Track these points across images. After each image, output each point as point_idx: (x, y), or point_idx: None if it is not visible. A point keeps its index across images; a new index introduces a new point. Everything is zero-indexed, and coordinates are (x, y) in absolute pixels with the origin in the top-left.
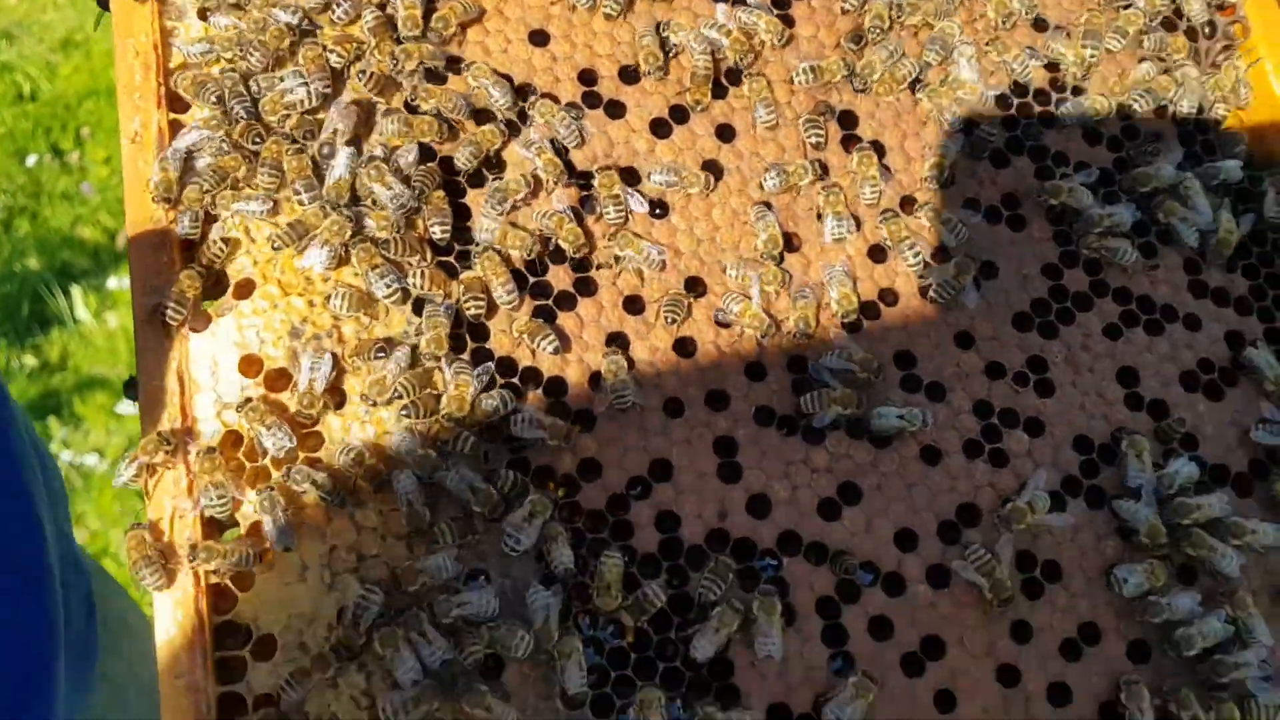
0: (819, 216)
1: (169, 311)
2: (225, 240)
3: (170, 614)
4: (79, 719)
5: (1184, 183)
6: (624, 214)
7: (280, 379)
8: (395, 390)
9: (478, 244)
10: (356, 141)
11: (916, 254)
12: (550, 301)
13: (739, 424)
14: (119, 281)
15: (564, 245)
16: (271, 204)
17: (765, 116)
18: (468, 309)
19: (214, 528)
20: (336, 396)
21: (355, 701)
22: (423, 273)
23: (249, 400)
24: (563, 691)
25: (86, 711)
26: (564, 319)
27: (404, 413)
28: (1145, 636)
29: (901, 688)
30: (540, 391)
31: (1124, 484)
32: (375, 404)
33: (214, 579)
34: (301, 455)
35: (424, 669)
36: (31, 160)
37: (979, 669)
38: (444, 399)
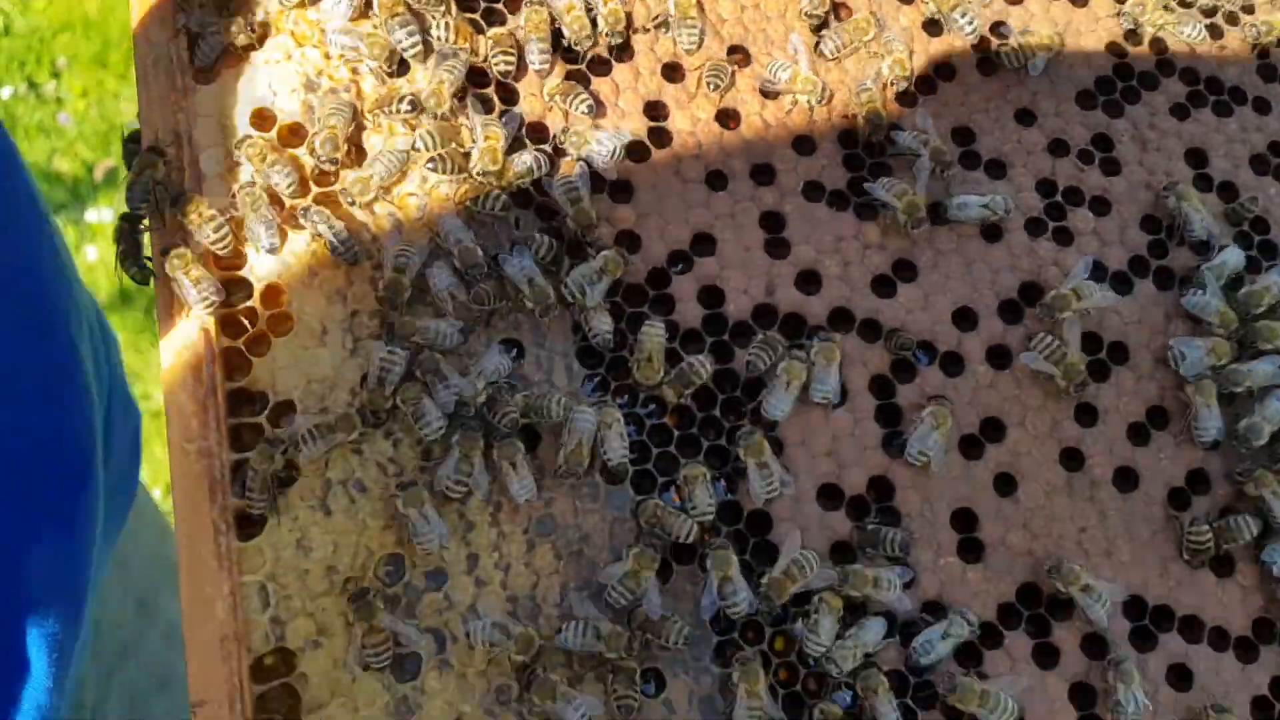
0: None
1: (204, 45)
2: None
3: (179, 377)
4: None
5: None
6: None
7: (294, 136)
8: (415, 144)
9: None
10: None
11: (971, 23)
12: (583, 66)
13: (786, 198)
14: (98, 214)
15: (601, 23)
16: None
17: None
18: (496, 64)
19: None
20: (356, 156)
21: (382, 468)
22: (448, 24)
23: (247, 137)
24: (604, 465)
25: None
26: (598, 84)
27: (430, 166)
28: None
29: (960, 470)
30: (573, 159)
31: (1189, 238)
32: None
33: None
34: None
35: (449, 418)
36: (6, 93)
37: (1041, 452)
38: (474, 153)
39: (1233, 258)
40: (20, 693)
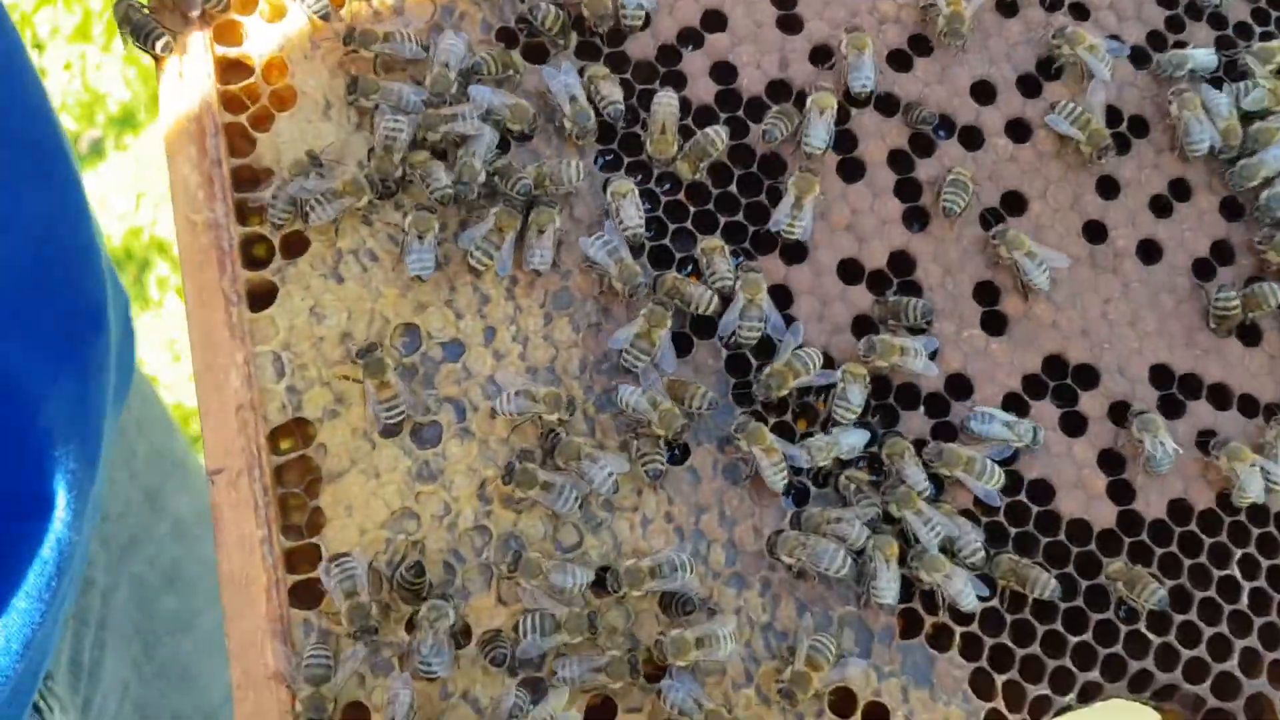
0: None
1: None
2: None
3: (183, 151)
4: None
5: None
6: None
7: None
8: None
9: None
10: None
11: None
12: None
13: None
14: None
15: None
16: None
17: None
18: None
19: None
20: None
21: (392, 239)
22: None
23: None
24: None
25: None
26: None
27: None
28: (1238, 195)
29: (982, 243)
30: None
31: (1201, 3)
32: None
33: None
34: None
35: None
36: None
37: (1063, 224)
38: None
39: (1205, 59)
40: (44, 528)
